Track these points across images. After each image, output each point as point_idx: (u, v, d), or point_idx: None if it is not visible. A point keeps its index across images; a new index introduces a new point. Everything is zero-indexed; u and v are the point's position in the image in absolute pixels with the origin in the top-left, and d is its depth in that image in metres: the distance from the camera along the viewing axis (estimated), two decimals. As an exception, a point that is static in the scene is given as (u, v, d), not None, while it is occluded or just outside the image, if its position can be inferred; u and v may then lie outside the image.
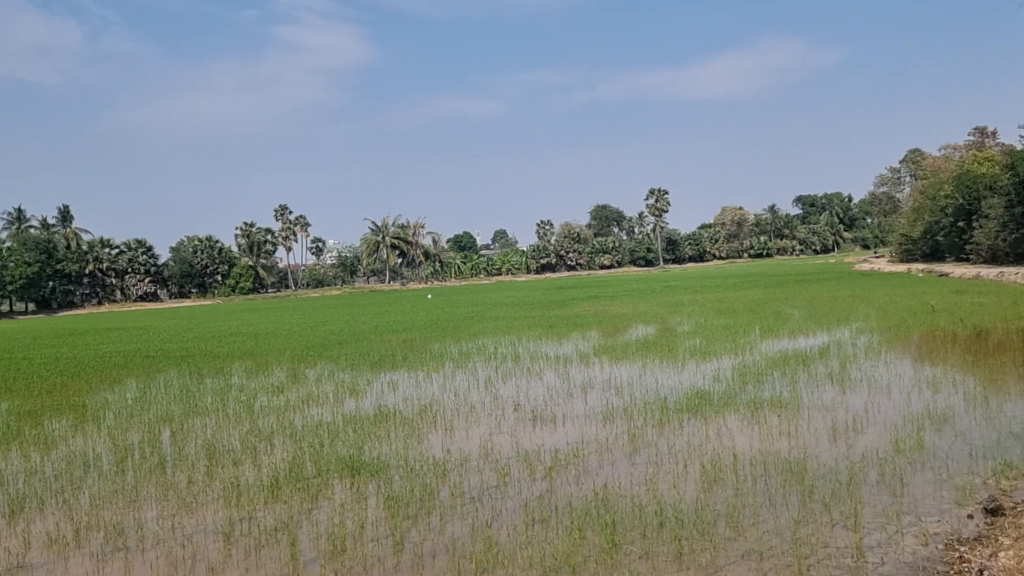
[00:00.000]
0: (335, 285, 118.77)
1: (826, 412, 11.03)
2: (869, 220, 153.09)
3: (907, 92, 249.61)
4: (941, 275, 46.94)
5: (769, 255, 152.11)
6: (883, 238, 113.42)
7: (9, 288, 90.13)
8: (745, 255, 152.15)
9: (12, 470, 10.40)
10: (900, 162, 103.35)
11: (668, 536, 6.70)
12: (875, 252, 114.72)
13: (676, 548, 6.44)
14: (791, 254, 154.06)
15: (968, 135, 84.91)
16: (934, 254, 61.59)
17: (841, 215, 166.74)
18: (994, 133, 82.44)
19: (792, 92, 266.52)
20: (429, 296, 68.25)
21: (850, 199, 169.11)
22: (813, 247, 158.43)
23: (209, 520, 7.95)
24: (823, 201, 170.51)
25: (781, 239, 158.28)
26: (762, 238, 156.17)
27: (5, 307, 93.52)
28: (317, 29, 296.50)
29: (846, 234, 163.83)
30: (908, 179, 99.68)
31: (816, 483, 7.86)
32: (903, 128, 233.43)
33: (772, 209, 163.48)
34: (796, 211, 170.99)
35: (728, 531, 6.77)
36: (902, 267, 60.12)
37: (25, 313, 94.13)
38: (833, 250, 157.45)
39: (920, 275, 49.80)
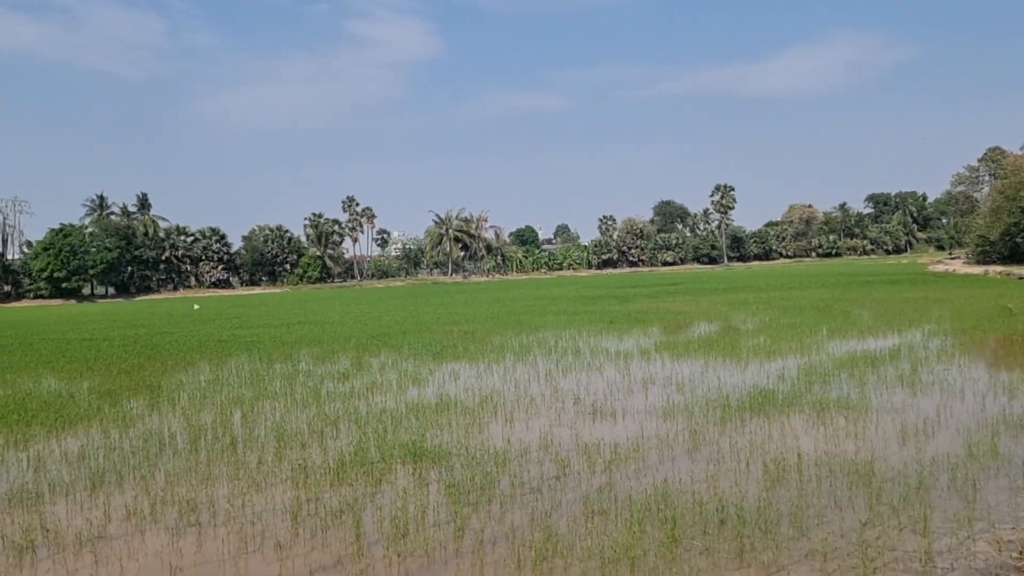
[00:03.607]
0: (399, 276, 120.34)
1: (895, 415, 10.77)
2: (944, 220, 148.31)
3: (987, 89, 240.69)
4: (1020, 278, 45.23)
5: (838, 254, 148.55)
6: (959, 239, 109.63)
7: (91, 272, 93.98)
8: (813, 254, 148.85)
9: (93, 446, 10.84)
10: (979, 160, 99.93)
11: (729, 533, 6.65)
12: (950, 253, 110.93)
13: (737, 545, 6.40)
14: (861, 254, 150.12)
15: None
16: (1013, 256, 59.32)
17: (915, 215, 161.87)
18: (1081, 131, 78.94)
19: (865, 88, 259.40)
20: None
21: (925, 198, 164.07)
22: (885, 247, 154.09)
23: (278, 500, 8.18)
24: (896, 200, 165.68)
25: (851, 238, 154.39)
26: (831, 237, 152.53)
27: (87, 290, 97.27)
28: (387, 23, 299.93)
29: (920, 234, 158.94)
30: (987, 178, 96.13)
31: (884, 486, 7.70)
32: (982, 126, 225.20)
33: (843, 207, 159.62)
34: (868, 210, 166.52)
35: (791, 531, 6.69)
36: (978, 269, 58.14)
37: (105, 297, 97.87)
38: (906, 251, 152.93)
39: (998, 277, 48.08)
